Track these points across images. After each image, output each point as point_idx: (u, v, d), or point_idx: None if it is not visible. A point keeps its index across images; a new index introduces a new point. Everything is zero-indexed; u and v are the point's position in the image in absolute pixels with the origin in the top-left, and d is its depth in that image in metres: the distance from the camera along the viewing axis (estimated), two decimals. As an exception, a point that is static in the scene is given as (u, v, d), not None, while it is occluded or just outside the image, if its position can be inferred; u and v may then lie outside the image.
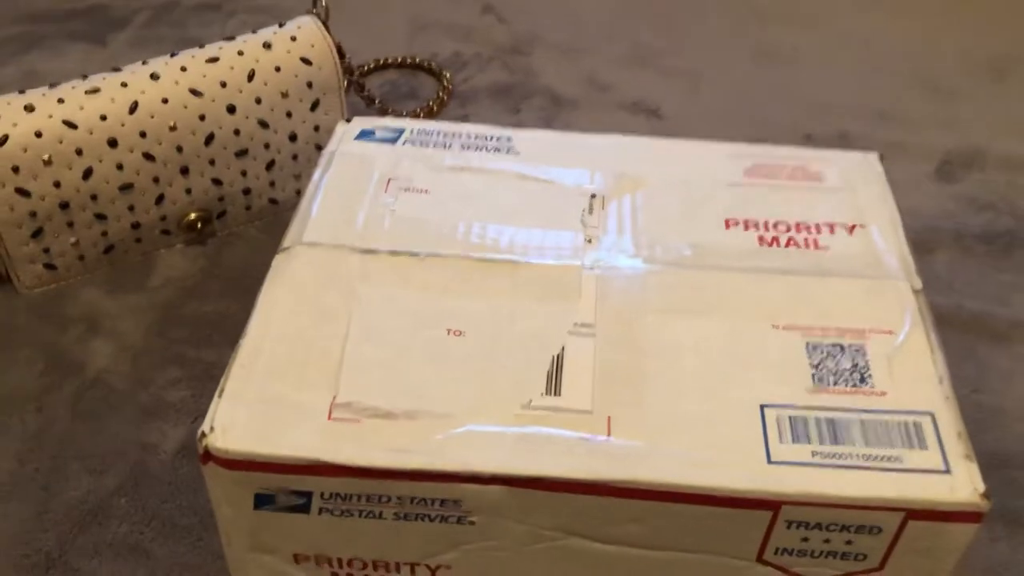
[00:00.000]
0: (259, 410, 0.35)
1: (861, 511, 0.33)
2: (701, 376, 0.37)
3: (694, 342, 0.38)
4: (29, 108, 0.54)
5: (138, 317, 0.58)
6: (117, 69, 0.57)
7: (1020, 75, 0.83)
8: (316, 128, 0.62)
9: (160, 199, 0.59)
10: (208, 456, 0.34)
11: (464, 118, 0.75)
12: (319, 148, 0.63)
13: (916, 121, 0.77)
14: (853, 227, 0.43)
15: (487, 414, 0.35)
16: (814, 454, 0.34)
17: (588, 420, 0.35)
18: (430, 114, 0.75)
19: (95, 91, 0.55)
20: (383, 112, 0.73)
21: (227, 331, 0.57)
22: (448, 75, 0.78)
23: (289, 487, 0.34)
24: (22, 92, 0.55)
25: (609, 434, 0.35)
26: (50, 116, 0.54)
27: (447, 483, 0.34)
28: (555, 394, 0.36)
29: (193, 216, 0.61)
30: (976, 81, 0.82)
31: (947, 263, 0.64)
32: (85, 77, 0.56)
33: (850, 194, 0.45)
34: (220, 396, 0.35)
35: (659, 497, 0.34)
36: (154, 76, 0.57)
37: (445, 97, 0.76)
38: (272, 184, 0.63)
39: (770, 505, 0.33)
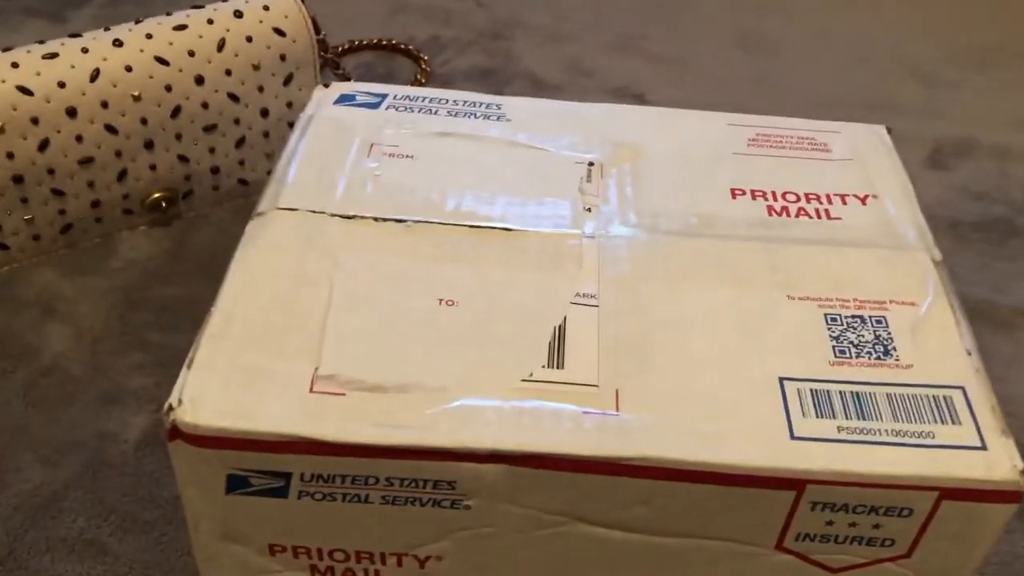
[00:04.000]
0: (233, 381, 0.31)
1: (892, 490, 0.31)
2: (714, 348, 0.34)
3: (704, 313, 0.35)
4: (-20, 72, 0.50)
5: (97, 300, 0.54)
6: (77, 35, 0.54)
7: (1005, 65, 0.81)
8: (289, 104, 0.59)
9: (123, 175, 0.55)
10: (176, 432, 0.31)
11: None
12: (292, 126, 0.59)
13: (904, 110, 0.75)
14: (865, 197, 0.41)
15: (484, 388, 0.32)
16: (840, 429, 0.31)
17: (594, 394, 0.32)
18: (408, 96, 0.72)
19: (53, 56, 0.52)
20: (359, 93, 0.70)
21: (194, 316, 0.53)
22: (426, 58, 0.75)
23: (265, 467, 0.31)
24: (-27, 56, 0.52)
25: (618, 409, 0.32)
26: (3, 81, 0.50)
27: (440, 461, 0.31)
28: (558, 367, 0.33)
29: (158, 195, 0.57)
30: (963, 71, 0.80)
31: (944, 251, 0.61)
32: (42, 42, 0.53)
33: (860, 165, 0.43)
34: (189, 367, 0.32)
35: (673, 476, 0.31)
36: (117, 42, 0.53)
37: (423, 80, 0.73)
38: (242, 163, 0.59)
39: (794, 484, 0.31)
